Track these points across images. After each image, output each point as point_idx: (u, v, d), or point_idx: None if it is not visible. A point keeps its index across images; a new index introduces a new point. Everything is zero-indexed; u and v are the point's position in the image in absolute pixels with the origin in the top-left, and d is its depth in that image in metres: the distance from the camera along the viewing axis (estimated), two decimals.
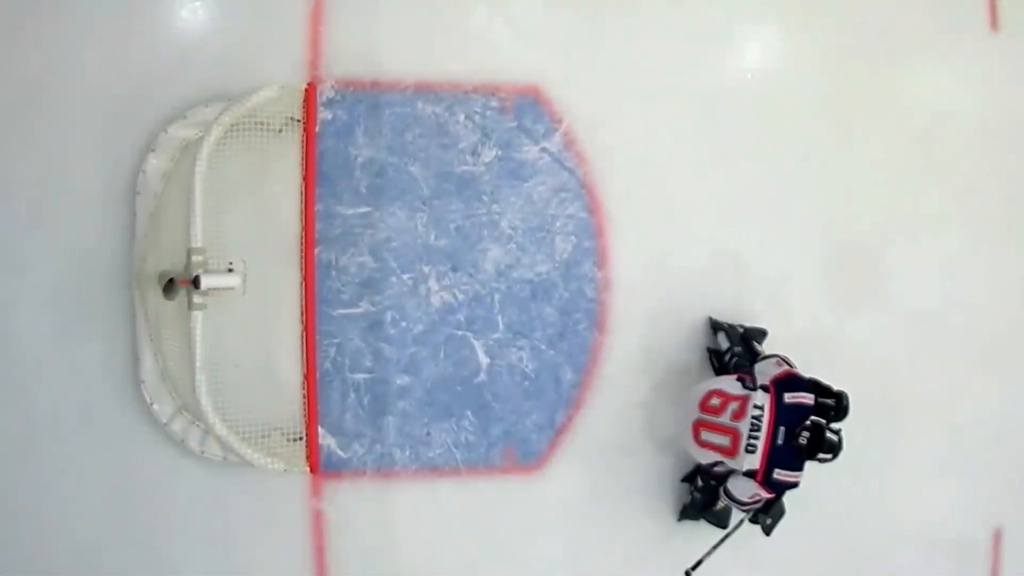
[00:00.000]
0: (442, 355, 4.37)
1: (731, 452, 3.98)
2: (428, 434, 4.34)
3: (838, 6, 4.66)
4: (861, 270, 4.68)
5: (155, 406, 4.11)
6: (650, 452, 4.49)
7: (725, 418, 4.01)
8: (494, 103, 4.39)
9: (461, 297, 4.39)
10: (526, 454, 4.40)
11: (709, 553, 4.18)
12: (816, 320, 4.62)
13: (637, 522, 4.49)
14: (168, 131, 4.10)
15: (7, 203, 4.09)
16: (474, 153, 4.37)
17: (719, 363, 4.44)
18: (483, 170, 4.36)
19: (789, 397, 3.95)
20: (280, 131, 3.93)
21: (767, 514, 4.24)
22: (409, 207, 4.34)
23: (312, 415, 3.85)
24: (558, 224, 4.43)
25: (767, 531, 4.32)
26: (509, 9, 4.41)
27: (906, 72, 4.71)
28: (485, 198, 4.36)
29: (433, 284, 4.37)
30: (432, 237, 4.35)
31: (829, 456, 3.94)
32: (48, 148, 4.10)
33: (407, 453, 4.35)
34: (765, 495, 3.98)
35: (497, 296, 4.41)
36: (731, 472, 4.03)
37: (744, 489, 3.99)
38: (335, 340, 4.27)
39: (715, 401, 4.06)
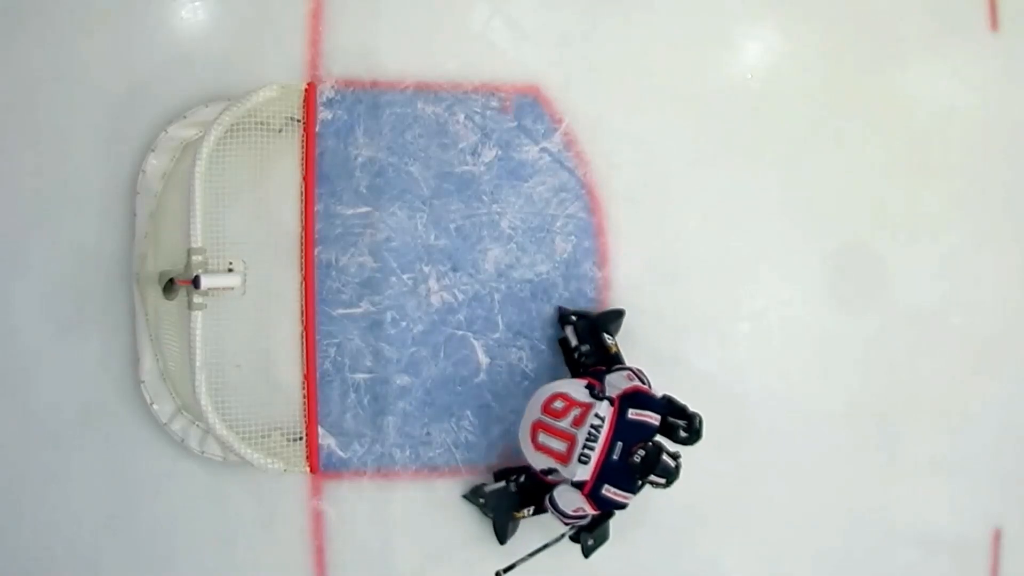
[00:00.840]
0: (442, 355, 4.37)
1: (565, 459, 3.89)
2: (428, 434, 4.34)
3: (838, 6, 4.65)
4: (861, 269, 4.67)
5: (155, 406, 4.11)
6: None
7: (565, 423, 3.91)
8: (494, 103, 4.39)
9: (461, 297, 4.39)
10: None
11: (524, 560, 4.02)
12: (817, 320, 4.62)
13: (636, 522, 4.48)
14: (168, 131, 4.10)
15: (7, 203, 4.09)
16: (474, 153, 4.37)
17: (569, 359, 4.32)
18: (483, 170, 4.36)
19: (633, 414, 3.84)
20: (280, 131, 3.94)
21: (591, 533, 4.12)
22: (409, 207, 4.34)
23: (312, 415, 3.85)
24: (558, 224, 4.43)
25: (586, 553, 4.16)
26: (509, 9, 4.41)
27: (906, 72, 4.71)
28: (485, 198, 4.36)
29: (433, 284, 4.37)
30: (432, 237, 4.35)
31: (662, 481, 3.79)
32: (48, 148, 4.11)
33: (407, 453, 4.35)
34: (590, 511, 3.88)
35: (497, 296, 4.41)
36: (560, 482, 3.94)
37: (569, 501, 3.88)
38: (335, 340, 4.27)
39: (558, 404, 3.96)
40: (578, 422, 3.88)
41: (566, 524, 3.99)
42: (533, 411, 4.01)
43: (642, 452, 3.78)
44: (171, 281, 3.91)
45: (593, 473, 3.82)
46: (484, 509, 4.30)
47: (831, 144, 4.62)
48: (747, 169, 4.58)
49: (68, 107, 4.11)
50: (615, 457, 3.81)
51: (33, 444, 4.11)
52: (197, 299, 3.65)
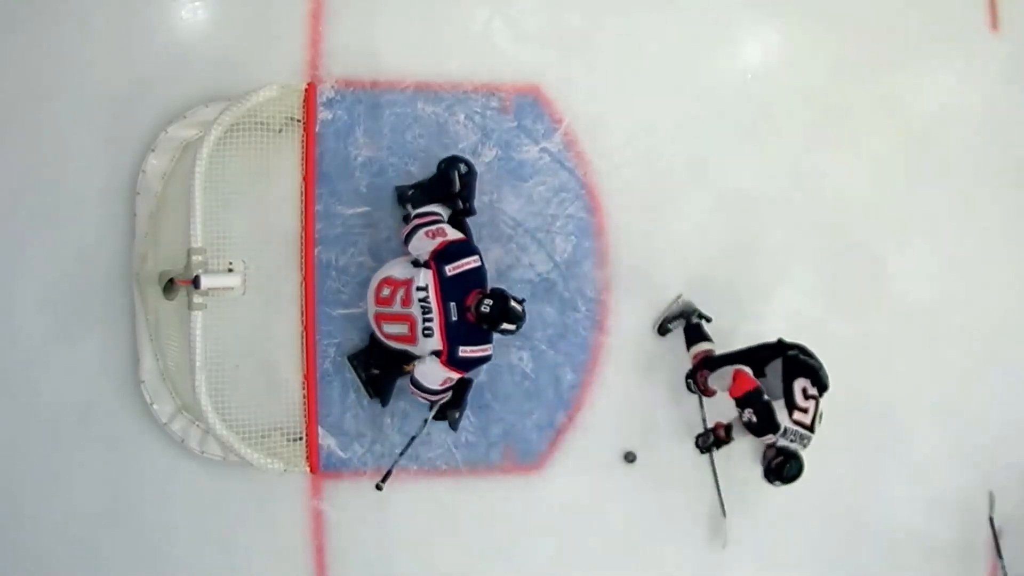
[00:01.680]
0: None
1: (411, 340, 3.88)
2: (428, 434, 4.32)
3: (838, 6, 4.66)
4: (861, 269, 4.67)
5: (155, 406, 4.11)
6: (649, 452, 4.49)
7: (397, 307, 3.89)
8: (494, 103, 4.39)
9: None
10: (526, 454, 4.40)
11: (395, 462, 4.06)
12: (817, 319, 4.61)
13: (636, 521, 4.48)
14: (168, 131, 4.10)
15: (7, 203, 4.09)
16: (474, 153, 4.36)
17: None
18: (483, 170, 4.35)
19: (451, 269, 3.82)
20: (280, 131, 3.94)
21: (456, 408, 4.08)
22: None
23: (312, 415, 3.85)
24: (558, 224, 4.43)
25: (454, 426, 4.16)
26: (509, 9, 4.41)
27: (906, 72, 4.71)
28: (485, 198, 4.35)
29: None
30: None
31: (513, 327, 3.80)
32: (48, 148, 4.11)
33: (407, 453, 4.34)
34: (456, 376, 3.87)
35: None
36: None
37: (433, 376, 3.86)
38: (335, 340, 4.27)
39: (386, 292, 3.94)
40: (406, 301, 3.87)
41: (432, 402, 3.98)
42: (370, 305, 4.02)
43: (490, 302, 3.76)
44: (171, 281, 3.91)
45: (442, 341, 3.82)
46: (363, 371, 4.22)
47: (831, 144, 4.63)
48: (747, 168, 4.58)
49: (68, 107, 4.11)
50: (454, 318, 3.81)
51: (33, 444, 4.11)
52: (197, 299, 3.66)
